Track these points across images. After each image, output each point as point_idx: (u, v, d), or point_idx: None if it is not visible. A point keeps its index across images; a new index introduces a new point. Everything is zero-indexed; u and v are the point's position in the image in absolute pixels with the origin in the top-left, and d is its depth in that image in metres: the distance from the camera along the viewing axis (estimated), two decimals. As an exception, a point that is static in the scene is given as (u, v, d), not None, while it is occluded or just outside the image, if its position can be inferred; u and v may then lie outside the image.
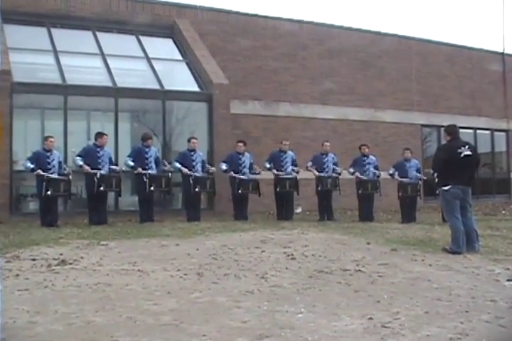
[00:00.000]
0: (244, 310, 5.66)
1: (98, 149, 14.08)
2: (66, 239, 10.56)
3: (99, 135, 14.28)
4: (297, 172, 15.69)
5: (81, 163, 13.81)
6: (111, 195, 14.84)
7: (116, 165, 14.63)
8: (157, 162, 14.73)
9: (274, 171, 15.54)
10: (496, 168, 26.58)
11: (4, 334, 4.78)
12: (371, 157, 16.18)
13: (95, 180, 13.60)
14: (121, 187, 14.18)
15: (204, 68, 18.00)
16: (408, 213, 15.58)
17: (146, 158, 14.46)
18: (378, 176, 15.91)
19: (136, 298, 6.10)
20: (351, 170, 15.95)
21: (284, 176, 15.49)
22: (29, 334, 4.88)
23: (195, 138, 15.27)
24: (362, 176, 15.77)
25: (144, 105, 18.14)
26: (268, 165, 15.66)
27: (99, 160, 13.97)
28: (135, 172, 14.34)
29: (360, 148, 16.24)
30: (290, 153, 15.88)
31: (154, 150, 14.90)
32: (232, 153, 15.64)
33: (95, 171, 13.70)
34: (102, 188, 13.64)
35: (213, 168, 15.31)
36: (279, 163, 15.65)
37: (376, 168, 16.04)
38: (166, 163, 14.87)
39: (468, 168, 9.80)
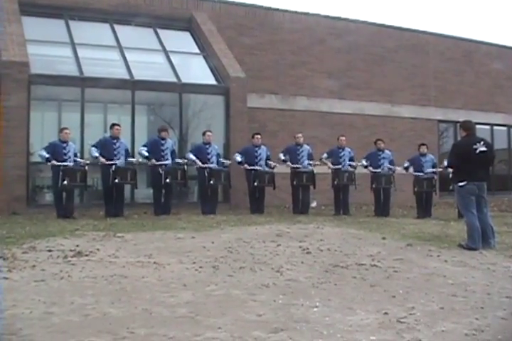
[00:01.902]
0: (260, 304, 5.67)
1: (114, 141, 14.14)
2: (82, 231, 10.60)
3: (111, 126, 14.37)
4: (314, 166, 15.66)
5: (97, 154, 13.86)
6: (127, 187, 14.87)
7: (133, 157, 14.66)
8: (173, 154, 14.76)
9: (289, 163, 15.55)
10: (513, 164, 26.42)
11: (21, 325, 4.83)
12: (386, 152, 16.12)
13: (111, 172, 13.66)
14: (136, 180, 14.20)
15: (221, 61, 18.00)
16: (424, 208, 15.59)
17: (162, 150, 14.49)
18: (394, 171, 15.88)
19: (151, 290, 6.12)
20: (364, 162, 15.93)
21: (301, 170, 15.48)
22: (45, 324, 4.90)
23: (210, 131, 15.30)
24: (376, 170, 15.76)
25: (160, 98, 18.15)
26: (283, 157, 15.66)
27: (115, 152, 14.02)
28: (149, 163, 14.38)
29: (375, 143, 16.20)
30: (306, 146, 15.88)
31: (171, 143, 14.92)
32: (249, 146, 15.69)
33: (111, 162, 13.79)
34: (117, 180, 13.68)
35: (228, 161, 15.32)
36: (295, 156, 15.65)
37: (391, 162, 15.99)
38: (179, 160, 14.88)
39: (483, 164, 9.76)
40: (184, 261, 7.75)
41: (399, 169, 15.93)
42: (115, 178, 13.66)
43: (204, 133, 15.20)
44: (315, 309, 5.50)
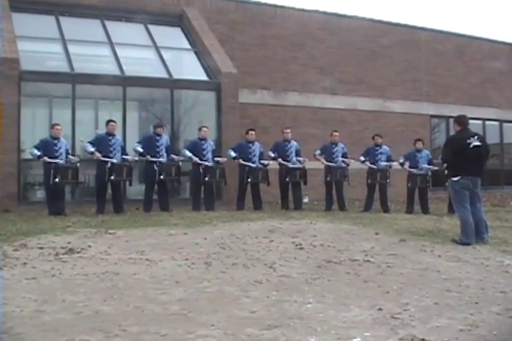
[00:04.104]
0: (253, 300, 5.64)
1: (110, 138, 14.07)
2: (74, 228, 10.56)
3: (107, 122, 14.30)
4: (303, 162, 15.65)
5: (92, 149, 13.79)
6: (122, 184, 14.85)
7: (127, 154, 14.55)
8: (168, 151, 14.71)
9: (280, 160, 15.53)
10: (505, 159, 26.46)
11: (11, 323, 4.78)
12: (384, 147, 16.16)
13: (106, 169, 13.61)
14: (132, 177, 14.17)
15: (212, 57, 17.91)
16: (413, 204, 15.70)
17: (157, 147, 14.45)
18: (390, 167, 15.91)
19: (144, 287, 6.08)
20: (362, 158, 15.95)
21: (293, 166, 15.47)
22: (36, 323, 4.86)
23: (206, 127, 15.23)
24: (372, 165, 15.76)
25: (152, 94, 18.09)
26: (272, 155, 15.65)
27: (111, 149, 13.95)
28: (146, 159, 14.31)
29: (373, 138, 16.25)
30: (294, 142, 15.87)
31: (166, 139, 14.90)
32: (242, 142, 15.64)
33: (107, 159, 13.72)
34: (113, 177, 13.64)
35: (224, 158, 15.24)
36: (284, 152, 15.65)
37: (389, 158, 16.00)
38: (175, 157, 14.80)
39: (477, 158, 9.75)
40: (176, 257, 7.72)
41: (395, 164, 15.94)
42: (111, 175, 13.62)
43: (200, 129, 15.11)
44: (308, 305, 5.47)
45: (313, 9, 22.01)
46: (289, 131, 15.93)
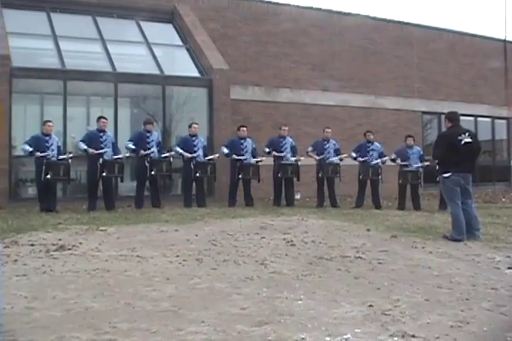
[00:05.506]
0: (244, 297, 5.63)
1: (101, 134, 14.06)
2: (65, 225, 10.53)
3: (98, 119, 14.29)
4: (299, 160, 15.66)
5: (85, 147, 13.80)
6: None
7: (119, 151, 14.51)
8: (159, 147, 14.71)
9: (275, 153, 15.56)
10: (497, 155, 26.53)
11: (2, 320, 4.76)
12: (376, 144, 16.18)
13: (98, 165, 13.60)
14: (123, 173, 14.16)
15: (204, 53, 17.89)
16: (405, 200, 15.71)
17: (148, 143, 14.45)
18: (383, 162, 15.94)
19: (134, 284, 6.06)
20: (353, 154, 15.97)
21: (286, 162, 15.49)
22: (27, 320, 4.84)
23: (196, 124, 15.24)
24: (363, 160, 15.79)
25: (143, 90, 18.06)
26: (267, 150, 15.68)
27: (102, 145, 13.93)
28: (139, 155, 14.31)
29: (364, 135, 16.26)
30: (289, 139, 15.88)
31: (156, 135, 14.90)
32: (234, 138, 15.64)
33: (100, 151, 13.74)
34: (105, 174, 13.63)
35: (216, 155, 15.24)
36: (278, 148, 15.66)
37: (381, 155, 16.01)
38: (167, 153, 14.79)
39: (469, 155, 9.75)
40: (167, 254, 7.71)
41: (386, 159, 15.94)
42: (103, 172, 13.62)
43: (190, 126, 15.16)
44: (299, 302, 5.47)
45: (305, 6, 22.03)
46: (286, 128, 15.96)
